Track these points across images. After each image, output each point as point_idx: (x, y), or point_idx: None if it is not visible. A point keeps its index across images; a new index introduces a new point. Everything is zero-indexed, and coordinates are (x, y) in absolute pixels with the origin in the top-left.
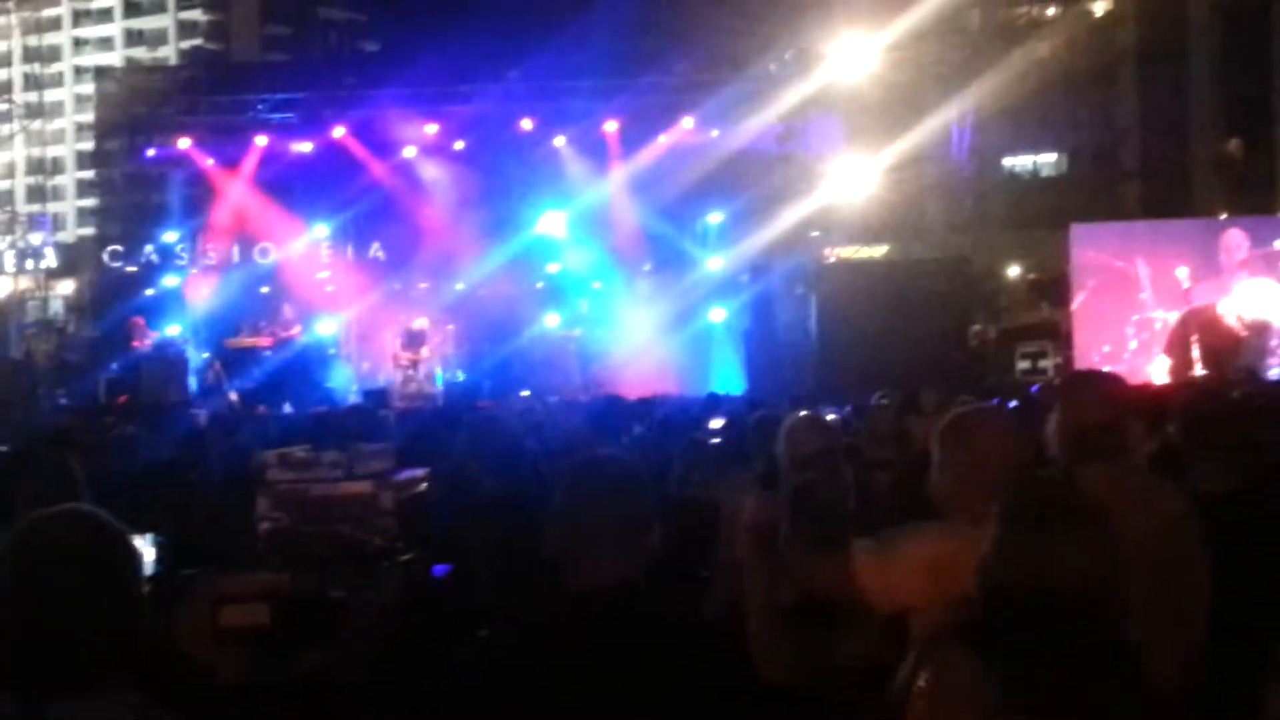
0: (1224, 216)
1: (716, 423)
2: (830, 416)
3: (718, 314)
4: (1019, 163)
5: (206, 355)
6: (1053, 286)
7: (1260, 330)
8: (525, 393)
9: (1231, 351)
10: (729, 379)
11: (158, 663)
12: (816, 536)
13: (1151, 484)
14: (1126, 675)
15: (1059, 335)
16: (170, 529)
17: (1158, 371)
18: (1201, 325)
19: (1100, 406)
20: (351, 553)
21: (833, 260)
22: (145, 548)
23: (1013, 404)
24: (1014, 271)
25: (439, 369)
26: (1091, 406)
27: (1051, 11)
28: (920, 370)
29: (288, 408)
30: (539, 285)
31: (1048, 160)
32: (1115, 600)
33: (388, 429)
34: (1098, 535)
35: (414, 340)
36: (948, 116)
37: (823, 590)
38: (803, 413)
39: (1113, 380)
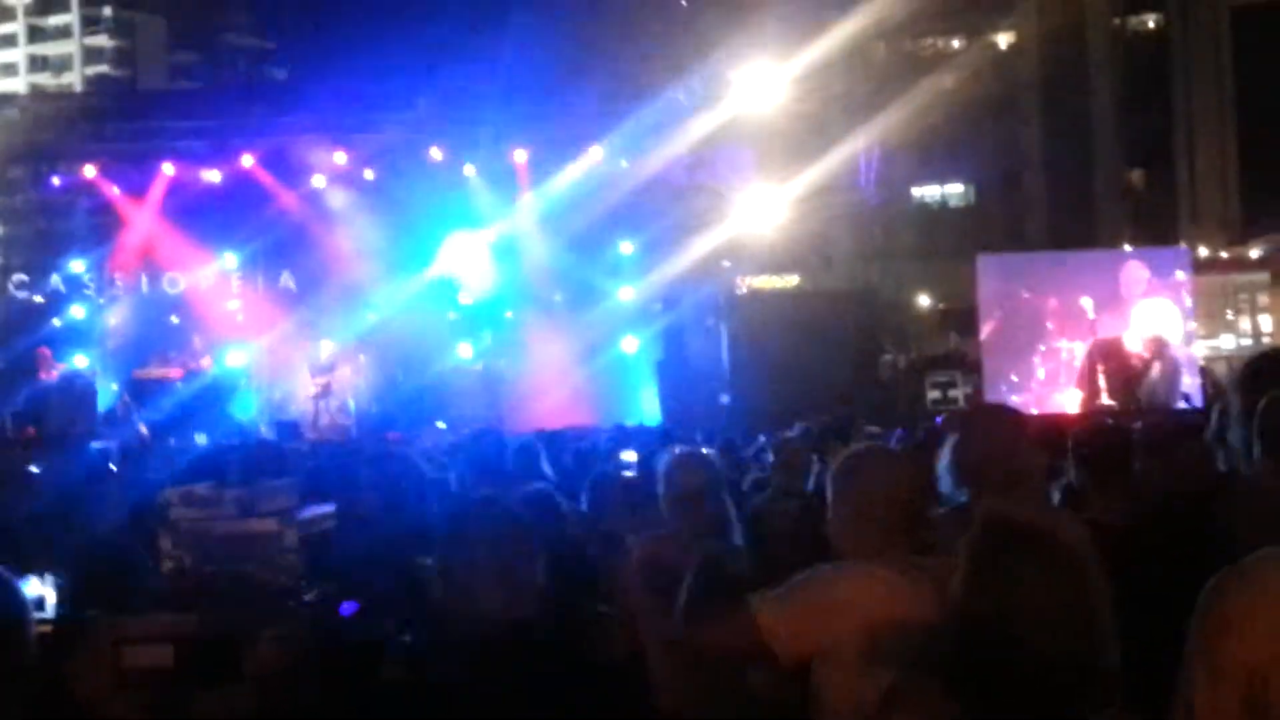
0: (1127, 247)
1: (629, 456)
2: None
3: (631, 344)
4: (927, 193)
5: (115, 386)
6: (962, 316)
7: (1159, 350)
8: (441, 424)
9: (1135, 380)
10: (642, 410)
11: (53, 706)
12: (713, 607)
13: (1050, 516)
14: (1112, 709)
15: (968, 365)
16: (72, 567)
17: (1069, 402)
18: (1106, 355)
19: (998, 438)
20: (256, 592)
21: (743, 290)
22: (45, 588)
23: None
24: (923, 301)
25: (351, 400)
26: (989, 439)
27: (956, 44)
28: (831, 400)
29: (200, 439)
30: (451, 315)
31: (955, 191)
32: (1094, 635)
33: (297, 463)
34: (1073, 570)
35: (321, 368)
36: (855, 147)
37: (725, 649)
38: (678, 450)
39: (1010, 412)
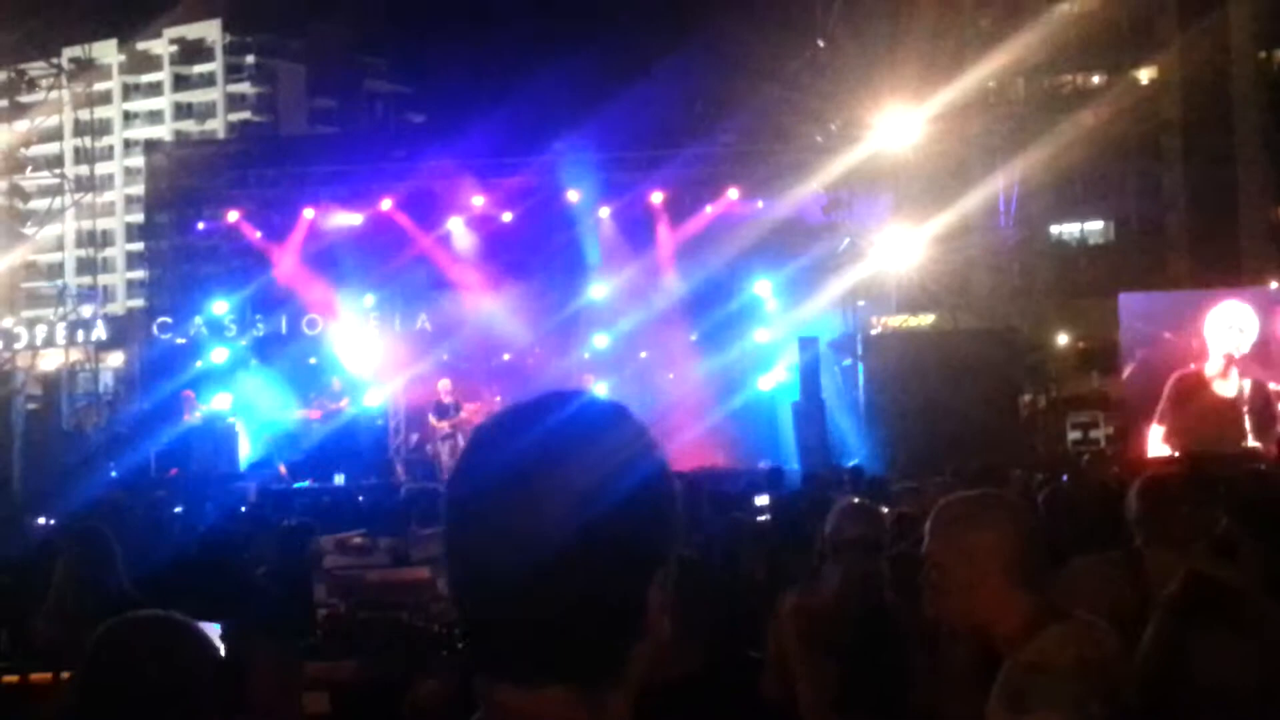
0: (1274, 284)
1: (761, 500)
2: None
3: (766, 382)
4: (1066, 230)
5: (255, 428)
6: (1102, 355)
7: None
8: None
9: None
10: (779, 450)
11: None
12: None
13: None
14: None
15: (1110, 405)
16: (227, 612)
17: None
18: (1184, 392)
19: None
20: (411, 639)
21: (880, 330)
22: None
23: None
24: (1063, 340)
25: None
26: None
27: (1096, 80)
28: (970, 441)
29: (338, 479)
30: (586, 355)
31: (1095, 228)
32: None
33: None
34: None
35: (444, 410)
36: (994, 186)
37: None
38: (853, 500)
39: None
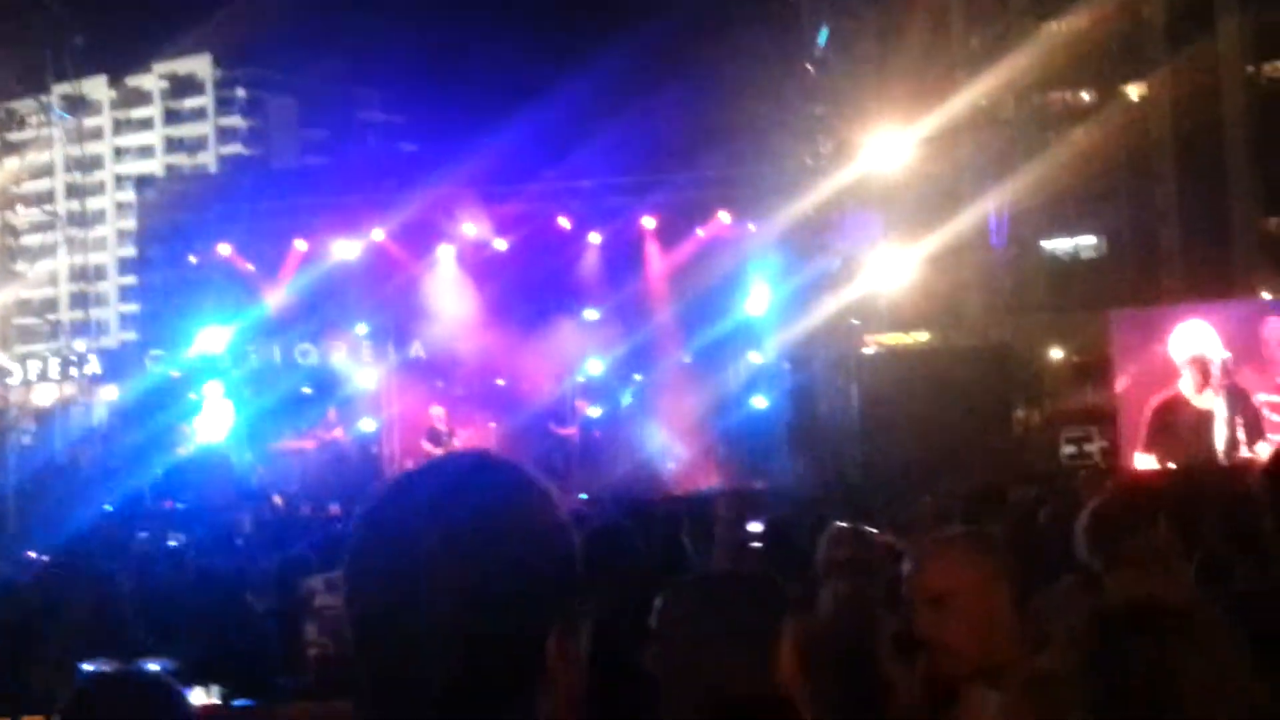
0: (1266, 295)
1: (755, 527)
2: None
3: (760, 404)
4: (1058, 246)
5: (250, 458)
6: (1096, 370)
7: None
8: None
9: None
10: (774, 469)
11: None
12: None
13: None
14: None
15: (1104, 419)
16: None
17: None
18: (1165, 413)
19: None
20: None
21: (873, 349)
22: (213, 698)
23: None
24: (1056, 355)
25: None
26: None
27: (1087, 98)
28: (964, 458)
29: (334, 508)
30: (580, 380)
31: (1087, 243)
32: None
33: None
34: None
35: (438, 437)
36: (985, 205)
37: None
38: (841, 524)
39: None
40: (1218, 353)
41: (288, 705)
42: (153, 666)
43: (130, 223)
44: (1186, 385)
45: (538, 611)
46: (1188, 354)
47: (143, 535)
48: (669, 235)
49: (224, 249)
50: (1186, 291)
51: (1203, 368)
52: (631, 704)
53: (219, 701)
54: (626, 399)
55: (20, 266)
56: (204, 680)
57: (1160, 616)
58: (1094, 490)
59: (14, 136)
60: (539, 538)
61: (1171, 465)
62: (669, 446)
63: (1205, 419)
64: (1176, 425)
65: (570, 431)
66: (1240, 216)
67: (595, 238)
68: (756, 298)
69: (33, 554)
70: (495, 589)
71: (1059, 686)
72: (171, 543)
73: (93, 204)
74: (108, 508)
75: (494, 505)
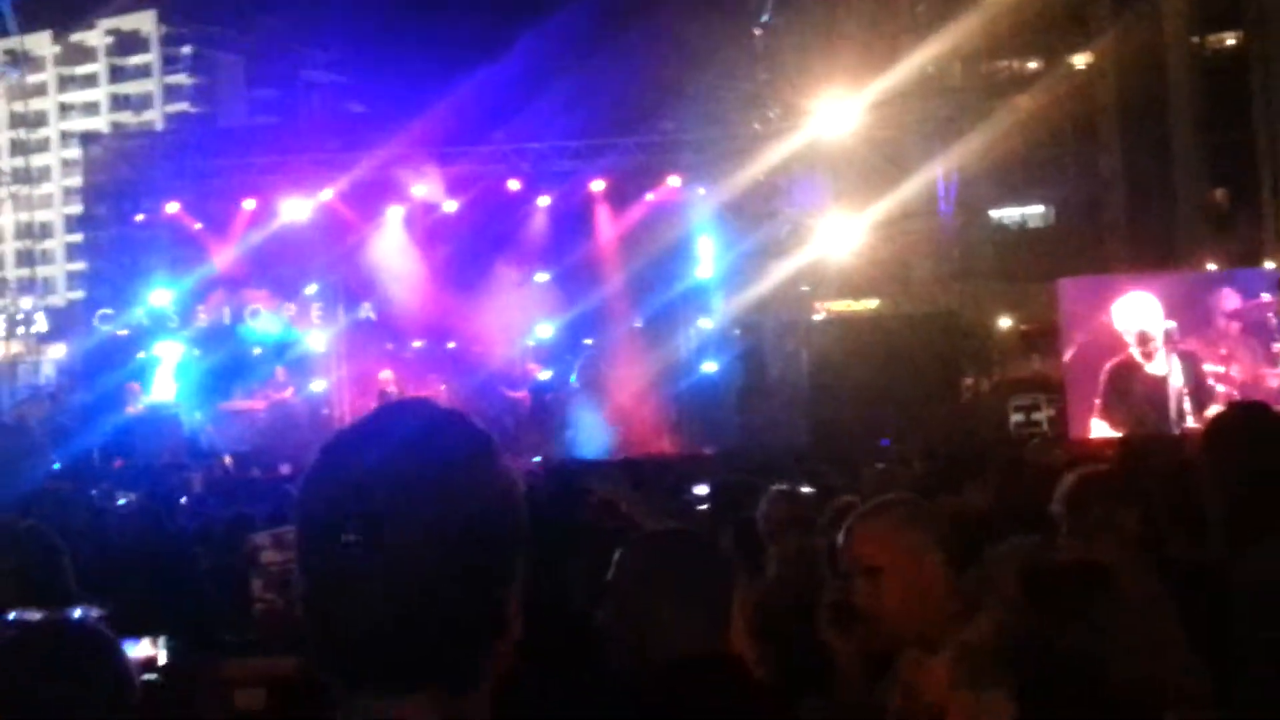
0: (1211, 266)
1: (700, 489)
2: None
3: (710, 369)
4: (1006, 215)
5: (199, 418)
6: (1043, 338)
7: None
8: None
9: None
10: (724, 434)
11: None
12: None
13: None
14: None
15: (1052, 387)
16: (171, 610)
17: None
18: (1118, 377)
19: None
20: None
21: (823, 315)
22: (158, 649)
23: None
24: (1004, 324)
25: None
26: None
27: (1033, 66)
28: (912, 425)
29: (284, 469)
30: (530, 343)
31: (1034, 212)
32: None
33: None
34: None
35: (387, 399)
36: (933, 172)
37: None
38: (780, 487)
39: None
40: (1159, 324)
41: (235, 660)
42: (79, 613)
43: (76, 180)
44: (1136, 351)
45: (493, 558)
46: (1130, 326)
47: (92, 493)
48: (619, 199)
49: (172, 207)
50: (1132, 261)
51: (1143, 339)
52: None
53: (164, 654)
54: (574, 372)
55: None
56: (151, 633)
57: (1086, 575)
58: (1045, 459)
59: None
60: (490, 484)
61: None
62: (619, 411)
63: (1159, 385)
64: (1130, 391)
65: (521, 395)
66: (1185, 186)
67: (544, 201)
68: (706, 263)
69: None
70: (450, 533)
71: (989, 653)
72: (120, 500)
73: (38, 161)
74: (56, 466)
75: (445, 450)
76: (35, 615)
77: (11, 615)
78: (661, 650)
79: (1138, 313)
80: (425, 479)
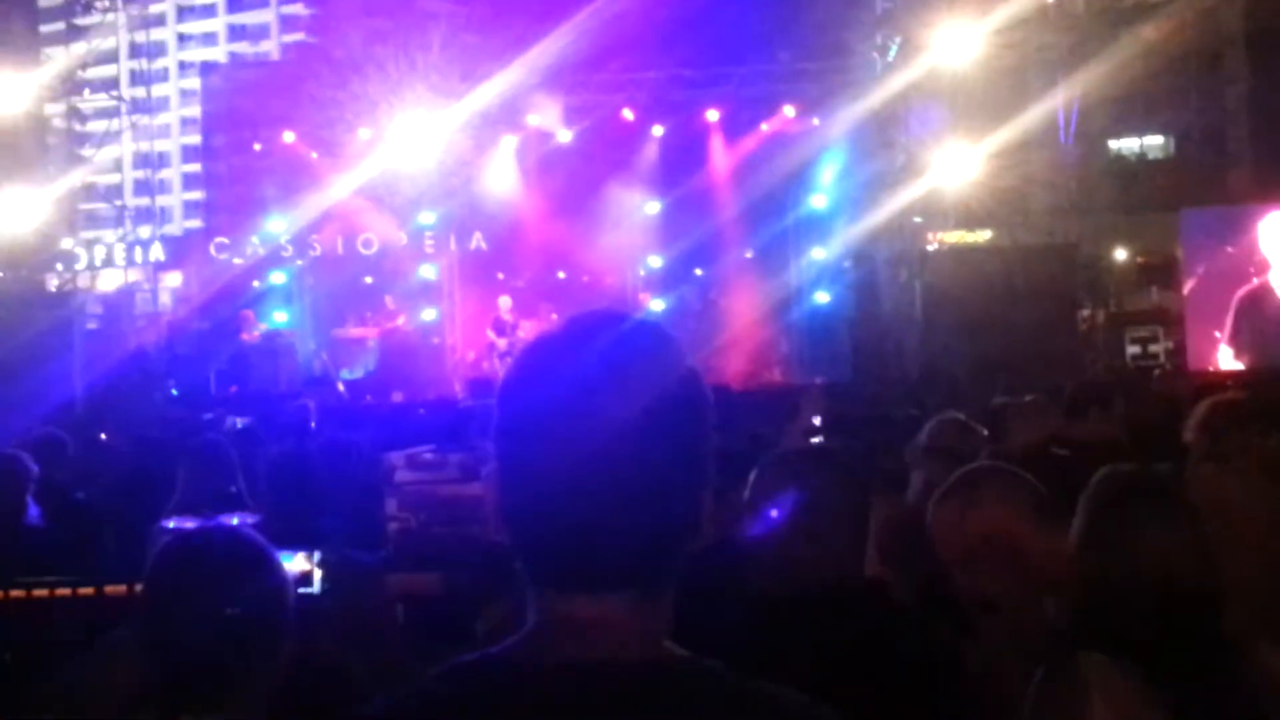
0: None
1: (815, 420)
2: None
3: (822, 298)
4: (1125, 145)
5: (314, 346)
6: (1162, 270)
7: None
8: None
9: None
10: (835, 366)
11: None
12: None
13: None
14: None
15: (1169, 320)
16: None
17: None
18: (1249, 307)
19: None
20: (487, 553)
21: (937, 246)
22: (312, 564)
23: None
24: (1121, 255)
25: None
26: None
27: None
28: (1028, 357)
29: (396, 397)
30: (641, 273)
31: (1154, 143)
32: (1211, 590)
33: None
34: (1188, 523)
35: (502, 327)
36: (1053, 101)
37: None
38: (954, 414)
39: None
40: None
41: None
42: (235, 520)
43: (193, 110)
44: (1276, 278)
45: (698, 459)
46: (1277, 248)
47: (208, 417)
48: (733, 129)
49: (288, 137)
50: (1255, 193)
51: None
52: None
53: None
54: (688, 292)
55: (87, 151)
56: (306, 547)
57: (1153, 490)
58: (1169, 391)
59: (80, 21)
60: (695, 385)
61: (1244, 361)
62: (730, 340)
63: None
64: (1263, 320)
65: None
66: None
67: (659, 130)
68: (820, 194)
69: (103, 437)
70: (665, 433)
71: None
72: (239, 422)
73: (157, 91)
74: (174, 393)
75: (654, 352)
76: (192, 523)
77: (171, 523)
78: (799, 572)
79: None
80: (639, 380)
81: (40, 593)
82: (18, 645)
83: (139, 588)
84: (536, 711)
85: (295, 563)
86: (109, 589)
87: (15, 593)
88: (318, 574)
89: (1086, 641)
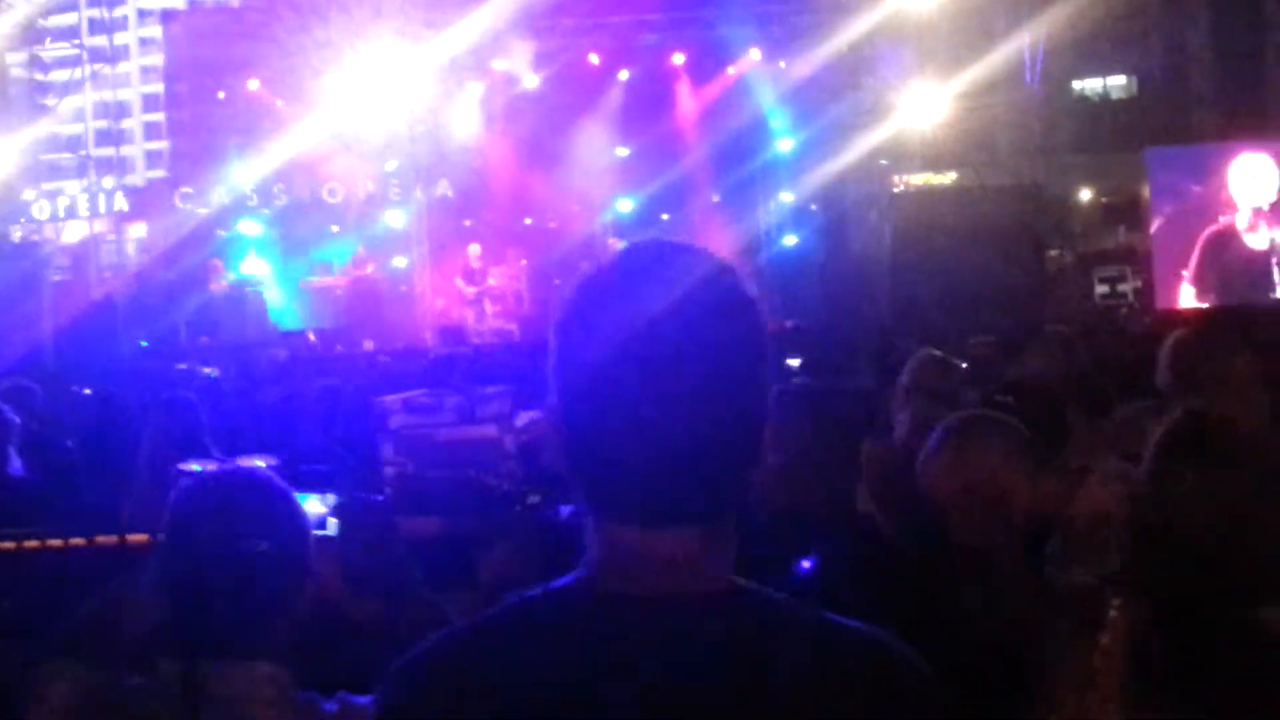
0: None
1: (793, 361)
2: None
3: (790, 241)
4: (1089, 86)
5: (282, 295)
6: (1127, 210)
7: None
8: None
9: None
10: (805, 309)
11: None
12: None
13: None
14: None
15: (1136, 259)
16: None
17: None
18: (1215, 246)
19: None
20: (485, 497)
21: (903, 188)
22: (322, 506)
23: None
24: (1086, 196)
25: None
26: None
27: None
28: (996, 298)
29: (368, 344)
30: (608, 219)
31: (1117, 83)
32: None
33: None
34: (1261, 471)
35: (472, 275)
36: (1018, 42)
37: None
38: (934, 352)
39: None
40: (1271, 190)
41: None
42: (258, 462)
43: (155, 58)
44: (1242, 220)
45: (761, 388)
46: (1246, 189)
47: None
48: (699, 73)
49: (253, 84)
50: (1218, 133)
51: (1259, 206)
52: None
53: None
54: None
55: (49, 101)
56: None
57: (1212, 439)
58: (1137, 328)
59: None
60: (756, 311)
61: (1206, 301)
62: None
63: (1258, 258)
64: (1227, 260)
65: None
66: (1274, 59)
67: (624, 74)
68: (787, 137)
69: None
70: (732, 364)
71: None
72: (209, 372)
73: (118, 39)
74: (143, 344)
75: (717, 280)
76: (210, 465)
77: (191, 466)
78: (791, 499)
79: (1256, 176)
80: (709, 309)
81: (31, 544)
82: (16, 597)
83: (160, 537)
84: (620, 640)
85: (310, 505)
86: (131, 538)
87: (4, 544)
88: (331, 518)
89: (1138, 589)
